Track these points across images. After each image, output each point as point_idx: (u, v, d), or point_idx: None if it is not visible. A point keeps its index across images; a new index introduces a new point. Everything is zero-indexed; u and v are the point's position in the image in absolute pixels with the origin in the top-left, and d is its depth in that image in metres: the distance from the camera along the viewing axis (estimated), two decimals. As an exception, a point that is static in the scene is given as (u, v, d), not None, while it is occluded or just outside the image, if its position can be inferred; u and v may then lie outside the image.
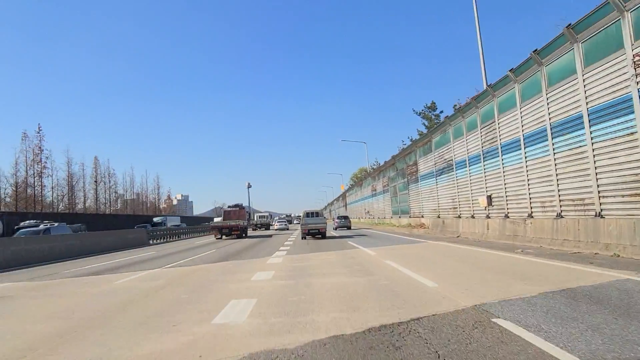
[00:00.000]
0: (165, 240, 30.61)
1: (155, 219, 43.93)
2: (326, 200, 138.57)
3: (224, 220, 27.95)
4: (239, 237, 27.31)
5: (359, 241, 17.94)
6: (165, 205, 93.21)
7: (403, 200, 28.90)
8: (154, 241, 28.71)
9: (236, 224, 27.26)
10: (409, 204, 27.19)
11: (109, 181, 59.52)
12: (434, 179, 21.59)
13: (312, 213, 21.96)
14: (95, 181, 55.25)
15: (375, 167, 49.79)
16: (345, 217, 35.53)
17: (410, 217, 26.94)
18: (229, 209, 29.95)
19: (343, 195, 76.14)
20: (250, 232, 34.05)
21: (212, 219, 68.77)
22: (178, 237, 33.70)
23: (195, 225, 43.36)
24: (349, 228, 32.51)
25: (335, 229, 32.66)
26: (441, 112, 35.03)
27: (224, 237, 27.49)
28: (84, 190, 53.11)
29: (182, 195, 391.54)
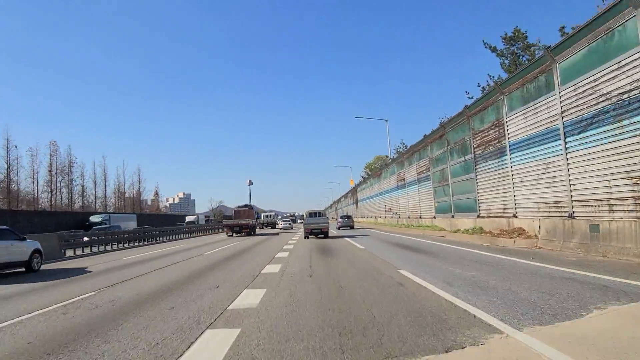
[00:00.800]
0: (100, 249, 20.50)
1: (92, 218, 32.78)
2: (332, 198, 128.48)
3: (234, 219, 30.41)
4: (249, 234, 29.38)
5: (432, 269, 7.50)
6: (150, 203, 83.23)
7: (463, 191, 18.35)
8: (83, 251, 18.85)
9: (246, 223, 29.39)
10: (478, 197, 16.65)
11: (70, 172, 49.51)
12: (558, 142, 11.05)
13: (315, 213, 22.23)
14: (50, 171, 45.32)
15: (401, 149, 39.44)
16: (348, 217, 35.92)
17: (479, 216, 16.44)
18: (238, 209, 31.65)
19: (353, 191, 65.70)
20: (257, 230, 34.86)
21: (186, 217, 59.74)
22: (130, 242, 23.72)
23: (157, 227, 32.93)
24: (352, 227, 32.88)
25: (338, 229, 32.06)
26: (533, 45, 22.62)
27: (235, 234, 29.42)
28: (34, 182, 43.21)
29: (184, 194, 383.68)
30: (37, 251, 12.38)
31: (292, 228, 40.76)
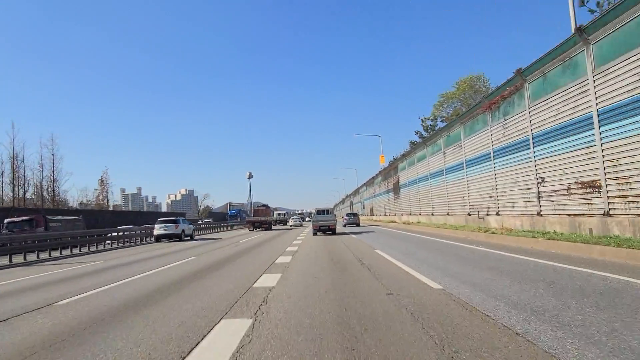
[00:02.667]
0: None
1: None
2: (345, 190, 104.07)
3: (254, 216, 36.89)
4: (267, 229, 34.54)
5: None
6: (95, 196, 59.40)
7: None
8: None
9: (264, 219, 35.50)
10: None
11: None
12: None
13: (323, 211, 23.15)
14: None
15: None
16: (355, 214, 35.87)
17: None
18: (258, 208, 39.37)
19: (386, 172, 41.12)
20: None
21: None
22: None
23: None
24: (357, 225, 33.22)
25: (345, 226, 32.07)
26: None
27: (255, 229, 34.94)
28: None
29: (187, 190, 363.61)
30: (194, 229, 27.37)
31: (301, 225, 43.82)
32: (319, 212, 22.74)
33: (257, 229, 34.86)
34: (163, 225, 23.69)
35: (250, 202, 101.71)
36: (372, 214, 52.93)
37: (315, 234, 21.67)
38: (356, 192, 75.16)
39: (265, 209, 38.35)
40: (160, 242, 23.31)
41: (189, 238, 25.14)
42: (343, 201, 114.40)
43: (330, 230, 21.67)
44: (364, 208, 62.84)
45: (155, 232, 23.61)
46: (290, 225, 45.22)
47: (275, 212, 55.20)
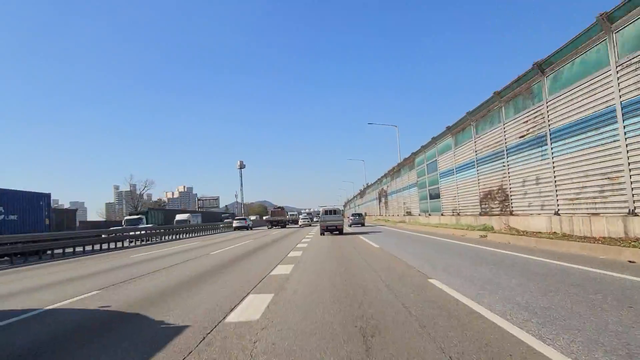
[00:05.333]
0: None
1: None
2: (365, 177, 79.20)
3: (272, 217, 49.88)
4: (282, 227, 46.46)
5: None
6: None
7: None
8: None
9: (281, 219, 48.31)
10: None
11: None
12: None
13: (330, 211, 24.09)
14: None
15: None
16: (360, 215, 37.76)
17: None
18: (275, 209, 53.58)
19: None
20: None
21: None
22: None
23: None
24: (362, 225, 35.01)
25: (350, 226, 33.45)
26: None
27: (273, 227, 46.54)
28: None
29: (185, 188, 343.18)
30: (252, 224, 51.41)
31: (310, 225, 49.16)
32: (326, 212, 23.96)
33: (275, 227, 46.29)
34: (238, 221, 45.94)
35: (242, 195, 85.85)
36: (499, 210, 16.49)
37: (322, 233, 23.19)
38: (399, 168, 38.69)
39: (280, 210, 52.01)
40: (235, 231, 42.36)
41: (250, 230, 43.10)
42: (361, 193, 77.65)
43: (337, 230, 23.11)
44: (439, 197, 25.96)
45: (234, 225, 44.85)
46: (300, 225, 50.81)
47: (287, 213, 64.38)
